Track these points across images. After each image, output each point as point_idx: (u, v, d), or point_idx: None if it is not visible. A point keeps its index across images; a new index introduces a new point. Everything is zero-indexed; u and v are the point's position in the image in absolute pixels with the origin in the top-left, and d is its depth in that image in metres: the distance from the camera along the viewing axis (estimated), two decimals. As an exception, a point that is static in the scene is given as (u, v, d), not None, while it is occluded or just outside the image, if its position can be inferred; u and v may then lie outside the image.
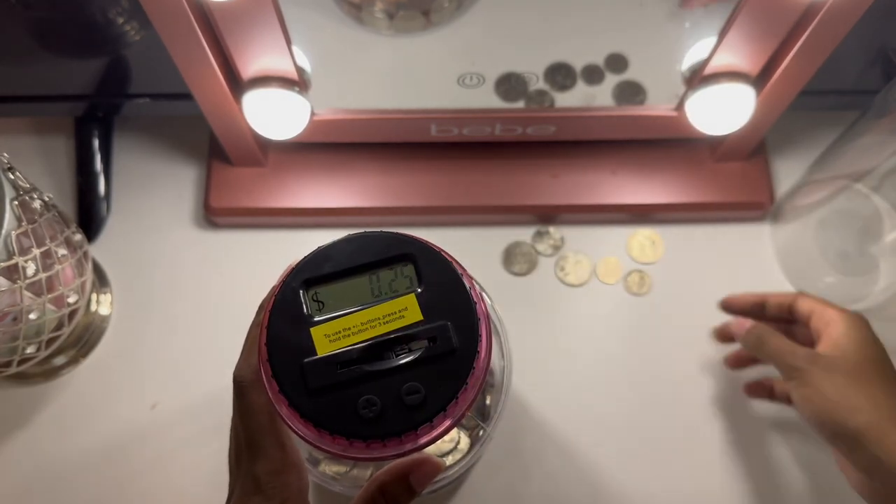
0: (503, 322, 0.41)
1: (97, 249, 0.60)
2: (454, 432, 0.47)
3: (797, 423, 0.55)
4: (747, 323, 0.50)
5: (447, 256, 0.31)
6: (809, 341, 0.47)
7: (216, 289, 0.59)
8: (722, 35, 0.48)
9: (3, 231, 0.43)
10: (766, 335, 0.48)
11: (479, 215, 0.60)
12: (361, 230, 0.31)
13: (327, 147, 0.60)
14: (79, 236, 0.51)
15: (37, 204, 0.47)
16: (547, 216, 0.61)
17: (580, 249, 0.60)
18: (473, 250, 0.60)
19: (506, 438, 0.54)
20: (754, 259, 0.60)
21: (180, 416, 0.55)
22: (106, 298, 0.58)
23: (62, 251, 0.48)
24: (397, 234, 0.31)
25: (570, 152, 0.61)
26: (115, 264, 0.60)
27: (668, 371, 0.57)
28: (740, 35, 0.47)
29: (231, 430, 0.33)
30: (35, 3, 0.50)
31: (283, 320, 0.29)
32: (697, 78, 0.52)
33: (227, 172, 0.60)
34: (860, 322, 0.46)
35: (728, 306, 0.53)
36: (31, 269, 0.45)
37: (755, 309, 0.52)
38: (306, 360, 0.29)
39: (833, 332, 0.45)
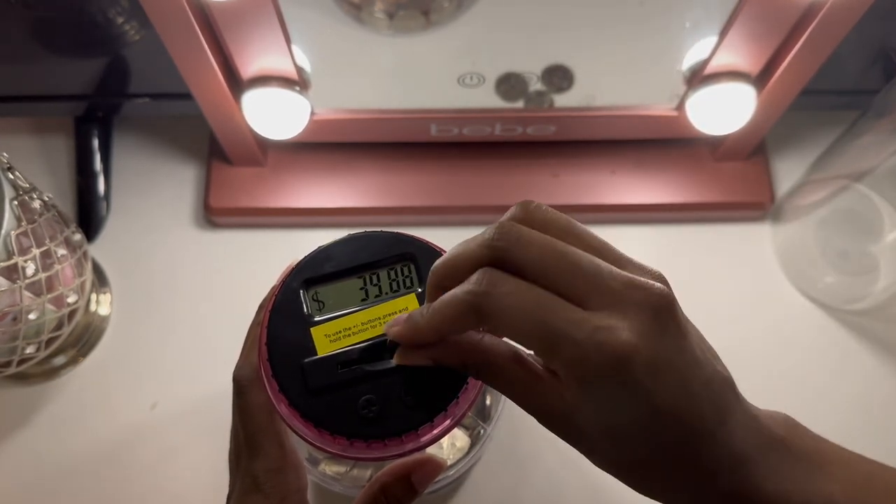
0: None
1: (97, 249, 0.60)
2: (454, 432, 0.47)
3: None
4: None
5: (448, 256, 0.31)
6: None
7: (216, 289, 0.59)
8: (722, 34, 0.48)
9: (3, 231, 0.43)
10: None
11: (479, 215, 0.60)
12: (362, 230, 0.31)
13: (327, 147, 0.59)
14: (78, 236, 0.51)
15: (36, 204, 0.47)
16: (547, 216, 0.61)
17: (580, 249, 0.60)
18: (474, 250, 0.60)
19: (506, 438, 0.54)
20: (754, 259, 0.60)
21: (180, 416, 0.55)
22: (105, 298, 0.58)
23: (62, 251, 0.48)
24: (398, 233, 0.31)
25: (570, 152, 0.61)
26: (114, 264, 0.60)
27: (668, 371, 0.56)
28: (741, 34, 0.47)
29: (231, 429, 0.33)
30: (35, 3, 0.50)
31: (283, 320, 0.29)
32: (698, 77, 0.51)
33: (227, 172, 0.60)
34: None
35: None
36: (30, 269, 0.45)
37: None
38: (306, 359, 0.29)
39: None
